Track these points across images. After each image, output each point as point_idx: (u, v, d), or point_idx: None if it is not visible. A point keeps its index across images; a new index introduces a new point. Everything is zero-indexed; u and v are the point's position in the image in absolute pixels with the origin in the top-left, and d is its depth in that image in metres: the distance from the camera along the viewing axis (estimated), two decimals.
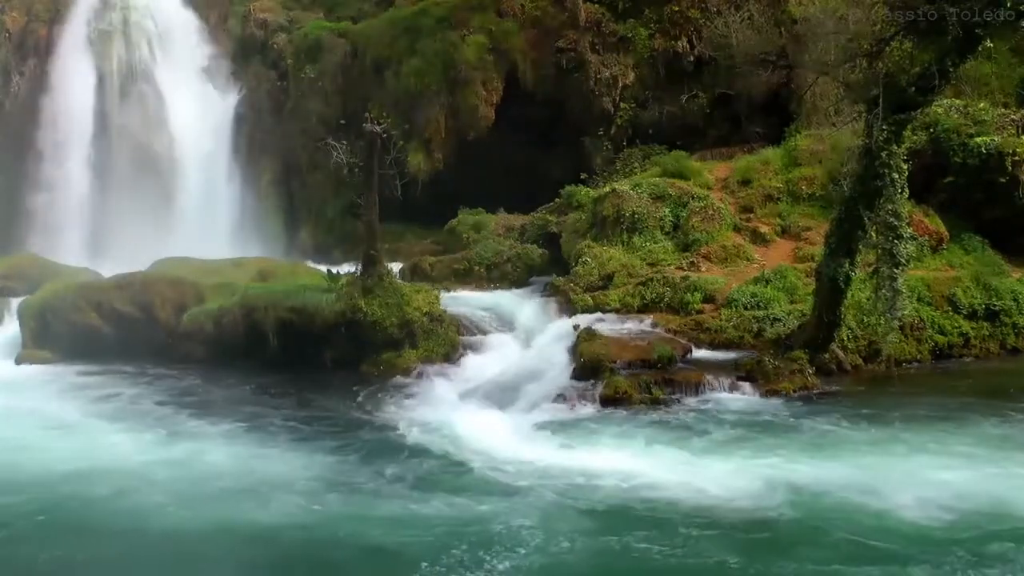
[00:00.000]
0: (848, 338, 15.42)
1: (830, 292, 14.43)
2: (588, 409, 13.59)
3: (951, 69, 13.15)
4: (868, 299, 14.82)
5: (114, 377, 16.41)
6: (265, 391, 15.22)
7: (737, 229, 19.67)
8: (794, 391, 14.05)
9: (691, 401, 13.85)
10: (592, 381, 14.19)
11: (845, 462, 11.17)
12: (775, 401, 13.76)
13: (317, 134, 26.50)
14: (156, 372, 16.61)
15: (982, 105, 20.06)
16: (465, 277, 20.99)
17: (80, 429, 13.33)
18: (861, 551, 8.86)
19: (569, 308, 17.34)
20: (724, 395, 14.05)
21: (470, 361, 16.00)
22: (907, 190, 13.71)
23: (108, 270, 20.34)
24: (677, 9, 25.80)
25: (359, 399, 14.46)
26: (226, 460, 11.75)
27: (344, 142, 20.53)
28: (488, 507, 10.01)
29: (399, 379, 15.35)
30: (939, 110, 18.91)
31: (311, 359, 16.29)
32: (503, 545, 9.02)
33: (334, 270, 18.34)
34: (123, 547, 9.43)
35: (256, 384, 15.59)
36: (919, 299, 16.33)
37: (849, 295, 14.74)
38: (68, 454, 12.05)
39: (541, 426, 12.91)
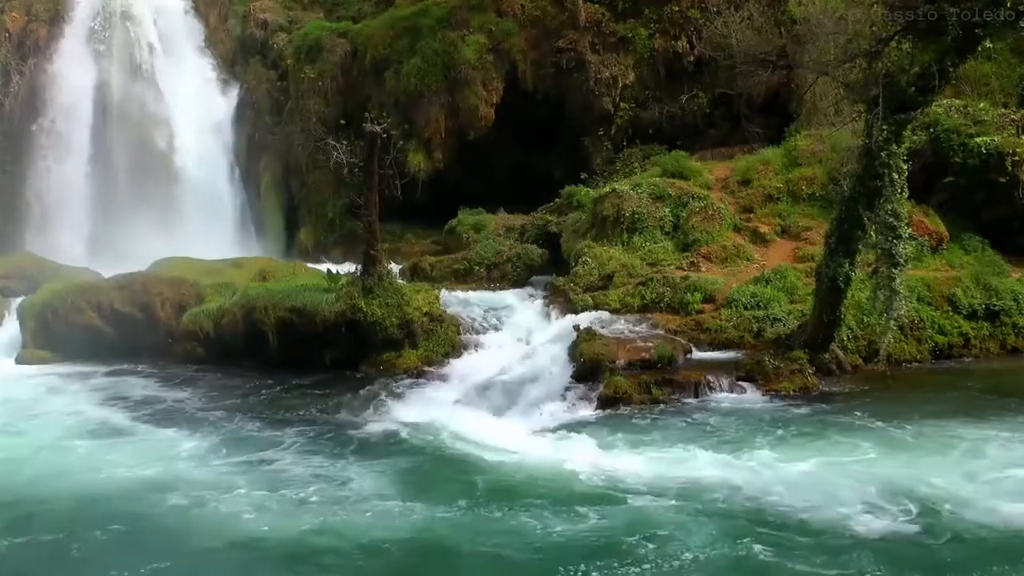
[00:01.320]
0: (848, 338, 15.41)
1: (830, 292, 14.43)
2: (588, 410, 13.55)
3: (951, 69, 13.13)
4: (868, 299, 14.81)
5: (142, 379, 16.20)
6: (306, 392, 14.96)
7: (737, 229, 19.67)
8: (794, 391, 14.02)
9: (692, 401, 13.81)
10: (592, 381, 14.17)
11: (924, 462, 10.86)
12: (780, 401, 13.69)
13: (317, 134, 26.51)
14: (185, 374, 16.36)
15: (982, 105, 20.06)
16: (465, 277, 21.00)
17: (135, 434, 13.02)
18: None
19: (569, 308, 17.33)
20: (724, 395, 14.03)
21: (470, 361, 15.99)
22: (907, 190, 13.69)
23: (108, 270, 20.32)
24: (677, 9, 25.84)
25: (385, 401, 14.26)
26: (295, 467, 11.40)
27: (344, 142, 20.57)
28: (578, 516, 9.60)
29: (400, 379, 15.29)
30: (939, 110, 18.91)
31: (311, 359, 16.28)
32: (617, 557, 8.60)
33: (334, 270, 18.35)
34: (217, 561, 8.99)
35: (288, 384, 15.39)
36: (919, 299, 16.33)
37: (849, 295, 14.72)
38: (133, 461, 11.72)
39: (557, 428, 12.78)
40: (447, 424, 12.97)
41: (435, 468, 11.48)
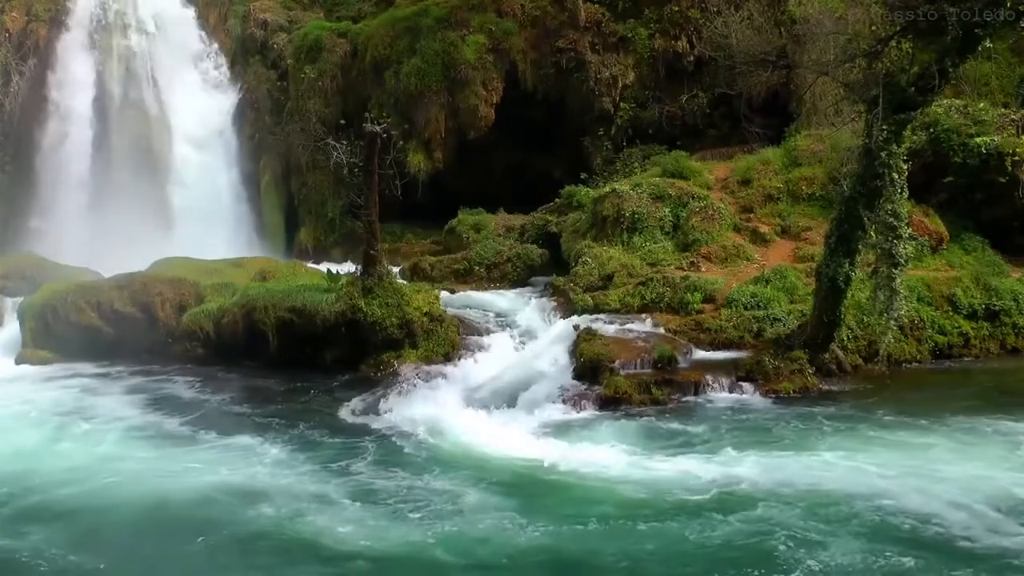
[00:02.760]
0: (848, 338, 15.40)
1: (830, 292, 14.43)
2: (589, 411, 13.50)
3: (951, 69, 13.13)
4: (868, 299, 14.81)
5: (163, 379, 15.85)
6: (343, 395, 14.52)
7: (737, 229, 19.68)
8: (794, 391, 14.02)
9: (692, 401, 13.79)
10: (592, 381, 14.17)
11: (1006, 463, 10.61)
12: (784, 401, 13.64)
13: (317, 134, 26.55)
14: (210, 375, 15.95)
15: (982, 105, 20.07)
16: (465, 277, 21.04)
17: (200, 442, 12.39)
18: None
19: (569, 308, 17.33)
20: (724, 395, 14.03)
21: (470, 361, 15.94)
22: (907, 190, 13.70)
23: (108, 270, 20.31)
24: (677, 9, 25.87)
25: (396, 401, 14.05)
26: (381, 479, 10.78)
27: (344, 142, 20.57)
28: (702, 523, 9.22)
29: (401, 380, 15.19)
30: (939, 110, 18.92)
31: (311, 359, 16.28)
32: (766, 566, 8.28)
33: (334, 270, 18.36)
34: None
35: (323, 388, 15.04)
36: (919, 299, 16.34)
37: (849, 295, 14.72)
38: (204, 466, 11.20)
39: (569, 428, 12.65)
40: (455, 426, 12.79)
41: (489, 475, 10.91)
